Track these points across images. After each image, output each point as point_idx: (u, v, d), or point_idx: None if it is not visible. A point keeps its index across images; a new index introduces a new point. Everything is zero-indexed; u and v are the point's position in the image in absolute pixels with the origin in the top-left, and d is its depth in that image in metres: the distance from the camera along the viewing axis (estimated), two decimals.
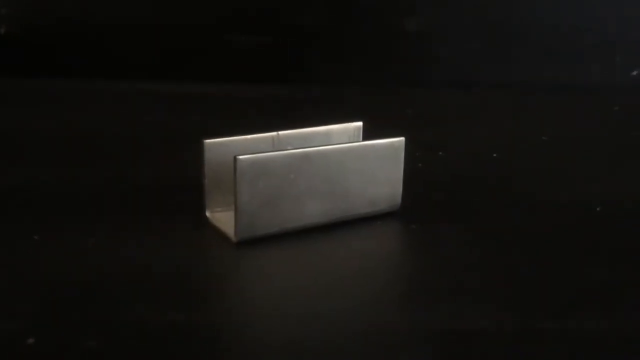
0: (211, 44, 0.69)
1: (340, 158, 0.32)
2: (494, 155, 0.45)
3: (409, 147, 0.33)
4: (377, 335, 0.24)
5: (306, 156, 0.31)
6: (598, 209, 0.35)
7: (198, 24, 0.69)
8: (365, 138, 0.36)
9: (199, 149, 0.32)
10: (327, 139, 0.35)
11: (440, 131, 0.52)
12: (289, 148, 0.32)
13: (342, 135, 0.36)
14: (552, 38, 0.70)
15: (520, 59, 0.70)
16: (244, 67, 0.69)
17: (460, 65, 0.71)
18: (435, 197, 0.37)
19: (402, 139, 0.34)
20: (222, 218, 0.32)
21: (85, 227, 0.31)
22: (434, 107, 0.63)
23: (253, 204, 0.30)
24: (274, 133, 0.34)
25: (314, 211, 0.32)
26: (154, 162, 0.42)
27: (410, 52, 0.71)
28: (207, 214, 0.33)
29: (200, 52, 0.69)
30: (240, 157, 0.29)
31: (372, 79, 0.70)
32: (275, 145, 0.34)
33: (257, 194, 0.30)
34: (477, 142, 0.49)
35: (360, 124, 0.37)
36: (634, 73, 0.49)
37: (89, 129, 0.51)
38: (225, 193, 0.32)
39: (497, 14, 0.71)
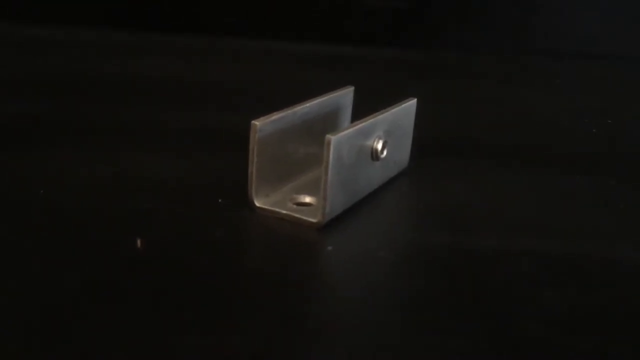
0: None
1: (392, 122, 0.33)
2: None
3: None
4: None
5: (375, 123, 0.31)
6: None
7: None
8: None
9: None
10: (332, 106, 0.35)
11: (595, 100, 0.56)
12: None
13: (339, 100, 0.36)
14: None
15: None
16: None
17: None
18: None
19: (414, 99, 0.34)
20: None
21: None
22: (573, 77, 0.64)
23: (339, 181, 0.29)
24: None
25: (374, 178, 0.33)
26: None
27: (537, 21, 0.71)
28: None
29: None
30: (333, 136, 0.28)
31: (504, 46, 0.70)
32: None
33: (344, 171, 0.29)
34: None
35: (352, 88, 0.36)
36: None
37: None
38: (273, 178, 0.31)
39: None
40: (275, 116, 0.30)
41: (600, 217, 0.33)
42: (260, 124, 0.29)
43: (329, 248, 0.28)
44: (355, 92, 0.37)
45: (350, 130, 0.29)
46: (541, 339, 0.23)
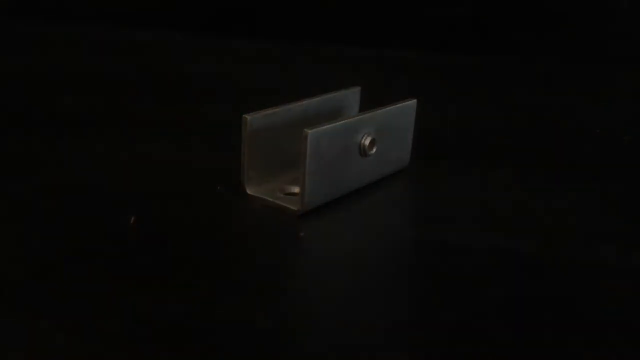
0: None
1: (384, 121, 0.34)
2: None
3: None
4: None
5: (361, 121, 0.33)
6: None
7: None
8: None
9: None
10: (334, 103, 0.37)
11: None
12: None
13: (342, 99, 0.38)
14: None
15: None
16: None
17: None
18: None
19: (414, 100, 0.36)
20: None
21: None
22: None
23: (319, 174, 0.31)
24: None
25: (364, 174, 0.34)
26: None
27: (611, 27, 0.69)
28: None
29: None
30: (310, 131, 0.30)
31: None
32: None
33: (324, 164, 0.32)
34: None
35: (358, 88, 0.39)
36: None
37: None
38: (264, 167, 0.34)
39: None
40: (268, 111, 0.33)
41: (599, 224, 0.33)
42: (251, 118, 0.32)
43: (301, 234, 0.30)
44: (377, 93, 0.39)
45: (330, 126, 0.31)
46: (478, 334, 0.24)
